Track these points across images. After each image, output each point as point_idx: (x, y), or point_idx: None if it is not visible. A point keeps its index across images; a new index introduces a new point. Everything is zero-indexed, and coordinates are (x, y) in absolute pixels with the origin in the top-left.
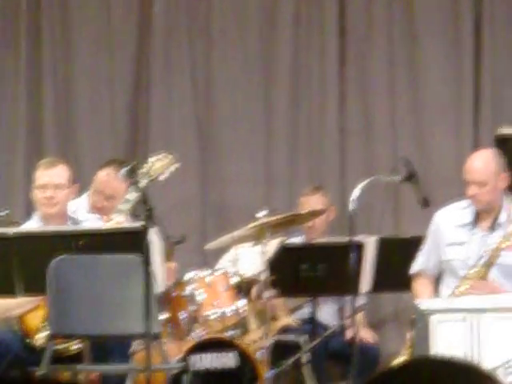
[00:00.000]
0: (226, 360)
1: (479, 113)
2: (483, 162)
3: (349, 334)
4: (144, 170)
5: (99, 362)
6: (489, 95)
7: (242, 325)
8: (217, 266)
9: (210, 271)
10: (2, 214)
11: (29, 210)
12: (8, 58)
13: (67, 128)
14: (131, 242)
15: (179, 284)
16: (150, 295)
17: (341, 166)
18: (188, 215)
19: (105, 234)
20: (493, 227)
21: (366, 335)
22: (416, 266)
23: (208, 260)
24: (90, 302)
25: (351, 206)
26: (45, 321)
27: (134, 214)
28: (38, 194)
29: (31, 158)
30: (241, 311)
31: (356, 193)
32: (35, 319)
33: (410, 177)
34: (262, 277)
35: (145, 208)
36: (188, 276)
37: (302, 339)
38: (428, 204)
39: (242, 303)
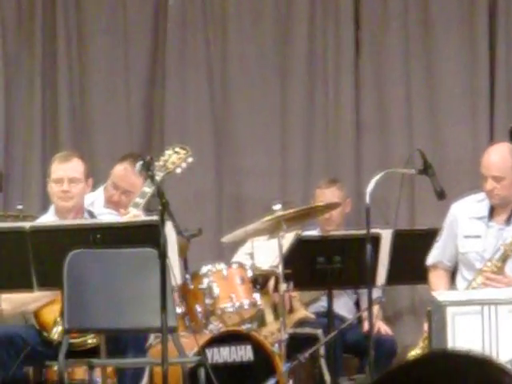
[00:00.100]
0: (243, 353)
1: (494, 104)
2: (500, 157)
3: (365, 327)
4: (160, 163)
5: (115, 356)
6: (504, 87)
7: (258, 318)
8: (233, 259)
9: (226, 264)
10: (17, 207)
11: (44, 204)
12: (23, 53)
13: (83, 122)
14: (147, 235)
15: (196, 277)
16: (167, 288)
17: (356, 159)
18: (204, 208)
19: (121, 227)
20: (509, 220)
21: (383, 328)
22: (432, 258)
23: (224, 253)
24: (106, 296)
25: (367, 199)
26: (61, 315)
27: (147, 209)
28: (53, 188)
29: (47, 152)
30: (257, 304)
31: (371, 185)
32: (51, 313)
33: (426, 169)
34: (278, 270)
35: (160, 201)
36: (204, 269)
37: (318, 332)
38: (444, 196)
39: (258, 296)
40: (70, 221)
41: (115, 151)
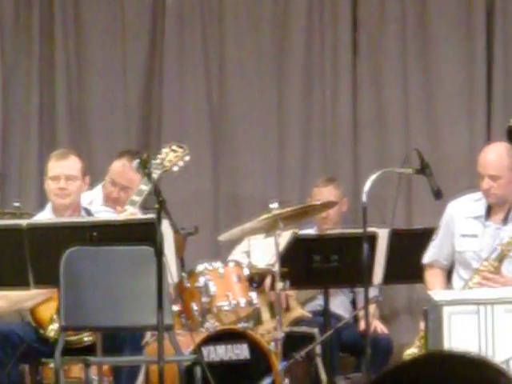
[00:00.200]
0: (239, 351)
1: (492, 104)
2: (497, 156)
3: (361, 326)
4: (157, 161)
5: (111, 354)
6: (501, 87)
7: (254, 316)
8: (230, 258)
9: (222, 263)
10: (14, 205)
11: (41, 202)
12: (21, 51)
13: (80, 121)
14: (144, 233)
15: (192, 275)
16: (163, 287)
17: (353, 158)
18: (201, 207)
19: (118, 225)
20: (506, 220)
21: (379, 326)
22: (428, 257)
23: (221, 251)
24: (103, 294)
25: (364, 198)
26: (57, 312)
27: (144, 206)
28: (50, 185)
29: (44, 150)
30: (254, 303)
31: (368, 184)
32: (48, 311)
33: (423, 168)
34: (275, 268)
35: (157, 199)
36: (201, 267)
37: (314, 331)
38: (441, 196)
39: (254, 295)
40: (66, 218)
41: (113, 149)
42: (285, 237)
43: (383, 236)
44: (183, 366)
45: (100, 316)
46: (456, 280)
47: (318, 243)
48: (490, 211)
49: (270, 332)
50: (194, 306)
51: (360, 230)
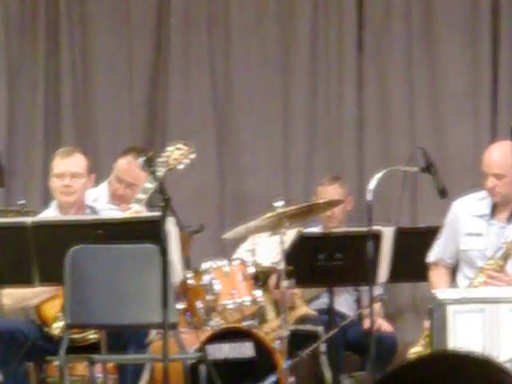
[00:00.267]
0: (244, 350)
1: (497, 103)
2: (501, 155)
3: (366, 324)
4: (162, 159)
5: (116, 352)
6: (506, 86)
7: (259, 314)
8: (234, 256)
9: (227, 261)
10: (19, 203)
11: (46, 199)
12: (26, 48)
13: (85, 118)
14: (149, 231)
15: (197, 273)
16: (168, 285)
17: (358, 156)
18: (206, 205)
19: (123, 223)
20: (510, 219)
21: (383, 325)
22: (433, 256)
23: (225, 249)
24: (108, 292)
25: (369, 196)
26: (62, 310)
27: (149, 204)
28: (55, 183)
29: (49, 148)
30: (258, 301)
31: (373, 183)
32: (52, 308)
33: (428, 167)
34: (280, 266)
35: (162, 197)
36: (206, 265)
37: (319, 329)
38: (446, 194)
39: (259, 293)
40: (71, 216)
41: (118, 147)
42: (290, 235)
43: (388, 234)
44: (188, 364)
45: (105, 314)
46: (461, 279)
47: (323, 241)
48: (494, 210)
49: (274, 330)
50: (199, 304)
51: (365, 229)
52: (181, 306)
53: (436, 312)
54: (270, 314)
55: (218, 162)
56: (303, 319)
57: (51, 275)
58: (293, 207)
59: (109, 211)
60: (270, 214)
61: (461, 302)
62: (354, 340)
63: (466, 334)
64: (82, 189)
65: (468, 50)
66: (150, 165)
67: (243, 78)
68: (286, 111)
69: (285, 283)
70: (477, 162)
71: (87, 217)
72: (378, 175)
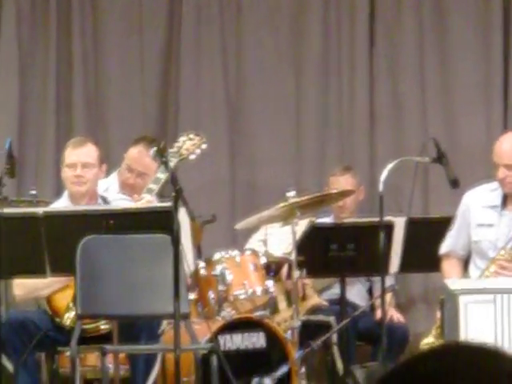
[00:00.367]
0: (255, 340)
1: (508, 94)
2: None
3: (378, 314)
4: (174, 149)
5: (128, 343)
6: None
7: (271, 305)
8: (247, 246)
9: (239, 251)
10: (30, 193)
11: (58, 190)
12: (38, 39)
13: (97, 108)
14: (161, 221)
15: (209, 263)
16: (179, 275)
17: (370, 147)
18: (218, 195)
19: (135, 213)
20: None
21: (395, 315)
22: (445, 247)
23: (238, 239)
24: (119, 282)
25: (380, 187)
26: (74, 300)
27: (161, 195)
28: (67, 173)
29: (61, 138)
30: (270, 291)
31: (385, 173)
32: (64, 299)
33: (440, 158)
34: (292, 257)
35: (174, 188)
36: (218, 255)
37: (331, 319)
38: (458, 185)
39: (271, 283)
40: (83, 206)
41: (129, 138)
42: (301, 225)
43: (400, 225)
44: (199, 355)
45: (116, 304)
46: (472, 269)
47: (335, 232)
48: (505, 200)
49: (286, 320)
50: (211, 295)
51: (376, 219)
52: (192, 296)
53: (447, 302)
54: (282, 304)
55: (229, 152)
56: (315, 309)
57: (63, 265)
58: (305, 197)
59: (120, 201)
60: (282, 204)
61: (472, 292)
62: (365, 330)
63: (478, 324)
64: (94, 179)
65: (480, 41)
66: (161, 155)
67: (255, 68)
68: (298, 102)
69: (296, 273)
70: (488, 153)
71: (99, 207)
72: (390, 166)
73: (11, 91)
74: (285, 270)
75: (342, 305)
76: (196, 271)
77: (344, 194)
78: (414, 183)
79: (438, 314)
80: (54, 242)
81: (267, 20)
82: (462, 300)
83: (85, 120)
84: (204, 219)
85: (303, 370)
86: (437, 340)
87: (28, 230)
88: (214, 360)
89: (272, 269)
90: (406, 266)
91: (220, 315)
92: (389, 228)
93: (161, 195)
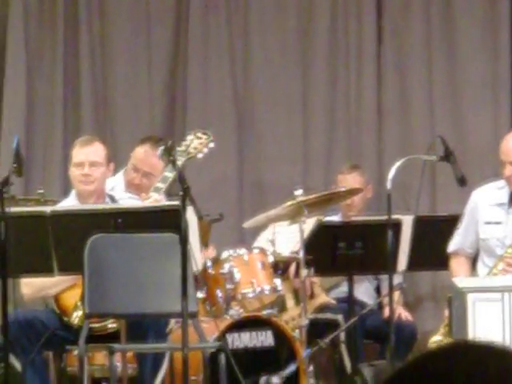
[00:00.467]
0: (263, 338)
1: None
2: None
3: (386, 313)
4: (181, 148)
5: (136, 341)
6: None
7: (279, 303)
8: (254, 244)
9: (247, 249)
10: (38, 192)
11: (66, 189)
12: (45, 37)
13: (104, 107)
14: (169, 220)
15: (217, 262)
16: (187, 273)
17: (378, 145)
18: (225, 193)
19: (142, 212)
20: None
21: (403, 313)
22: (453, 245)
23: (245, 238)
24: (127, 281)
25: (388, 185)
26: (81, 299)
27: (168, 193)
28: (74, 172)
29: (68, 137)
30: (278, 289)
31: (393, 171)
32: (72, 298)
33: (447, 156)
34: (299, 255)
35: (182, 186)
36: (225, 254)
37: (338, 317)
38: (465, 183)
39: (279, 281)
40: (90, 205)
41: (137, 137)
42: (309, 224)
43: (407, 223)
44: (207, 353)
45: (124, 303)
46: (480, 267)
47: (343, 230)
48: None
49: (294, 319)
50: (219, 293)
51: (384, 217)
52: (200, 294)
53: (455, 300)
54: (290, 302)
55: (237, 151)
56: (323, 308)
57: (70, 264)
58: (312, 196)
59: (128, 200)
60: (289, 203)
61: (480, 290)
62: (373, 328)
63: (486, 322)
64: (101, 178)
65: (487, 39)
66: (169, 154)
67: (263, 67)
68: (305, 100)
69: (304, 272)
70: (496, 151)
71: (106, 206)
72: (398, 164)
73: (19, 91)
74: (293, 268)
75: (349, 303)
76: (204, 270)
77: (352, 192)
78: (421, 181)
79: (446, 312)
80: (61, 240)
81: (275, 19)
82: (470, 298)
83: (92, 119)
84: (212, 218)
85: (311, 368)
86: (445, 338)
87: (35, 229)
88: (222, 358)
89: (280, 267)
90: (414, 264)
91: (228, 314)
92: (396, 226)
93: (168, 194)
